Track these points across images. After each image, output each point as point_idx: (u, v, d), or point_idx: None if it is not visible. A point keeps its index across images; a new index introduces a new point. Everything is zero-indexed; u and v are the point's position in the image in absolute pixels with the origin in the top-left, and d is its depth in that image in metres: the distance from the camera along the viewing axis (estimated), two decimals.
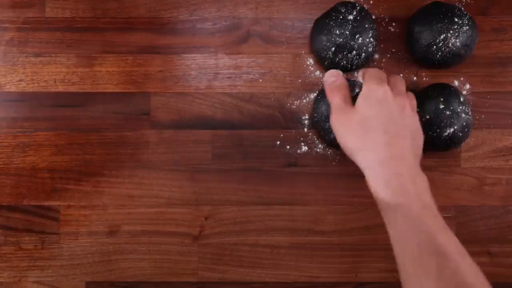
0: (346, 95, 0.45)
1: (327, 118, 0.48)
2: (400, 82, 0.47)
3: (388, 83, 0.45)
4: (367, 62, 0.52)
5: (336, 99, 0.45)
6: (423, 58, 0.52)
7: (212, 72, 0.54)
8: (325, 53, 0.51)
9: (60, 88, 0.53)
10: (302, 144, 0.53)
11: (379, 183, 0.39)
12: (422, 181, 0.41)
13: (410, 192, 0.39)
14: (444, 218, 0.53)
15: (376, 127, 0.41)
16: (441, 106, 0.49)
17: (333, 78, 0.47)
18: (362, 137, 0.41)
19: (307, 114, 0.53)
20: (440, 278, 0.35)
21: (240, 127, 0.53)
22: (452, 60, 0.51)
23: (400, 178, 0.39)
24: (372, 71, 0.45)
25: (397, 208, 0.38)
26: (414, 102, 0.47)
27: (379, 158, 0.40)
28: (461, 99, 0.50)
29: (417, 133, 0.45)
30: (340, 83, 0.46)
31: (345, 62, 0.51)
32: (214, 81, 0.54)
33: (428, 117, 0.50)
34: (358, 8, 0.51)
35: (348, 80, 0.49)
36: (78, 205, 0.53)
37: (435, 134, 0.50)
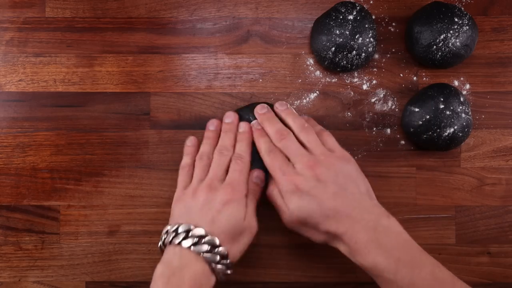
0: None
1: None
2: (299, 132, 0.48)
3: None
4: (367, 62, 0.52)
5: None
6: (423, 58, 0.52)
7: (212, 72, 0.54)
8: (325, 53, 0.51)
9: (60, 88, 0.53)
10: None
11: (349, 255, 0.42)
12: (380, 225, 0.41)
13: (370, 251, 0.40)
14: (444, 218, 0.53)
15: (318, 219, 0.43)
16: (441, 106, 0.49)
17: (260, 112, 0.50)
18: (311, 231, 0.44)
19: (307, 114, 0.53)
20: None
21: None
22: (452, 60, 0.51)
23: (357, 244, 0.41)
24: (271, 160, 0.46)
25: (370, 271, 0.41)
26: (331, 139, 0.47)
27: (337, 235, 0.42)
28: (461, 99, 0.50)
29: (344, 172, 0.45)
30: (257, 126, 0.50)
31: (345, 62, 0.51)
32: (214, 81, 0.54)
33: (428, 117, 0.50)
34: (358, 8, 0.51)
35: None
36: (78, 205, 0.53)
37: (435, 134, 0.50)
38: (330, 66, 0.52)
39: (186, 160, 0.50)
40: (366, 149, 0.53)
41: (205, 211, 0.44)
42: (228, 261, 0.43)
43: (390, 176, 0.53)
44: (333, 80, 0.53)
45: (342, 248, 0.43)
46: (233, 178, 0.46)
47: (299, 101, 0.53)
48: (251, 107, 0.50)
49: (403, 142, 0.53)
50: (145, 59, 0.54)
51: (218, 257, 0.42)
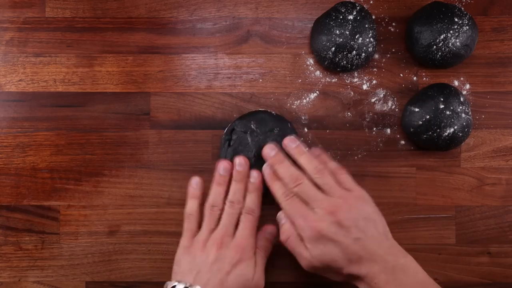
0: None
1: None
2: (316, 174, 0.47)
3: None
4: (367, 62, 0.52)
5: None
6: (423, 58, 0.52)
7: (212, 72, 0.54)
8: (325, 53, 0.51)
9: (60, 88, 0.53)
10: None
11: None
12: (399, 266, 0.42)
13: None
14: (444, 218, 0.53)
15: (339, 263, 0.43)
16: (441, 106, 0.49)
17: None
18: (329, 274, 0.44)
19: (307, 114, 0.53)
20: None
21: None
22: (452, 60, 0.51)
23: (377, 285, 0.41)
24: (289, 206, 0.46)
25: None
26: (347, 178, 0.47)
27: (357, 276, 0.42)
28: (461, 99, 0.50)
29: (365, 216, 0.44)
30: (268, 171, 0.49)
31: (345, 62, 0.51)
32: (214, 81, 0.54)
33: (428, 117, 0.50)
34: (358, 8, 0.51)
35: None
36: (78, 205, 0.53)
37: (435, 134, 0.50)
38: (330, 66, 0.52)
39: (192, 206, 0.49)
40: (366, 149, 0.53)
41: (215, 271, 0.44)
42: None
43: (390, 176, 0.53)
44: (333, 80, 0.53)
45: (362, 286, 0.43)
46: (243, 236, 0.46)
47: (299, 101, 0.53)
48: (252, 117, 0.50)
49: (403, 142, 0.53)
50: (145, 59, 0.54)
51: None
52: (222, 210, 0.48)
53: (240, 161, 0.49)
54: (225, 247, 0.45)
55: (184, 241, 0.48)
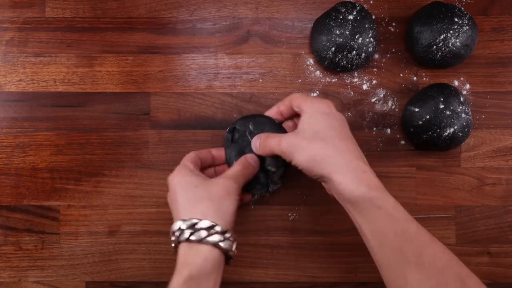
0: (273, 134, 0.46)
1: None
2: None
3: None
4: (367, 62, 0.52)
5: (273, 140, 0.45)
6: (423, 58, 0.52)
7: (212, 72, 0.54)
8: (325, 53, 0.51)
9: (60, 88, 0.53)
10: None
11: (351, 182, 0.40)
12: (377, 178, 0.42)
13: (379, 187, 0.40)
14: (444, 218, 0.53)
15: (332, 135, 0.42)
16: (441, 106, 0.49)
17: (257, 141, 0.48)
18: (322, 147, 0.42)
19: None
20: (419, 263, 0.37)
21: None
22: (452, 60, 0.51)
23: (367, 174, 0.41)
24: (303, 94, 0.47)
25: (374, 201, 0.40)
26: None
27: (345, 161, 0.41)
28: (461, 99, 0.50)
29: (353, 137, 0.45)
30: (264, 136, 0.47)
31: (345, 62, 0.51)
32: (214, 81, 0.54)
33: (428, 117, 0.50)
34: (358, 8, 0.51)
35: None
36: (78, 205, 0.53)
37: (435, 134, 0.50)
38: (330, 66, 0.52)
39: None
40: (366, 149, 0.53)
41: (173, 207, 0.45)
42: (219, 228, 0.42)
43: (390, 176, 0.53)
44: (333, 80, 0.53)
45: (344, 175, 0.41)
46: (178, 167, 0.47)
47: None
48: (253, 119, 0.50)
49: (403, 142, 0.53)
50: (145, 59, 0.54)
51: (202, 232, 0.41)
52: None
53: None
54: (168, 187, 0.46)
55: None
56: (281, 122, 0.50)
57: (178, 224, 0.42)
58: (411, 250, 0.38)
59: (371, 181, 0.40)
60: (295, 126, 0.49)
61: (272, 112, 0.49)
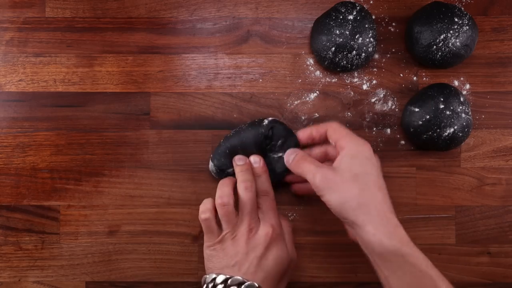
0: (313, 161, 0.46)
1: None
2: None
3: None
4: (367, 62, 0.52)
5: (309, 166, 0.45)
6: (423, 58, 0.52)
7: (212, 72, 0.54)
8: (325, 53, 0.51)
9: (60, 88, 0.53)
10: None
11: (384, 235, 0.40)
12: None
13: (410, 242, 0.40)
14: (444, 218, 0.53)
15: (371, 183, 0.42)
16: (441, 106, 0.49)
17: (292, 155, 0.47)
18: (359, 193, 0.41)
19: (307, 114, 0.53)
20: None
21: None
22: (452, 60, 0.51)
23: (400, 229, 0.40)
24: (342, 127, 0.46)
25: (406, 257, 0.39)
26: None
27: (380, 212, 0.41)
28: (461, 99, 0.50)
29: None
30: (301, 155, 0.47)
31: (345, 62, 0.51)
32: (214, 81, 0.54)
33: (428, 117, 0.50)
34: (358, 8, 0.51)
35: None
36: (78, 205, 0.53)
37: (435, 134, 0.50)
38: (330, 66, 0.52)
39: (207, 206, 0.47)
40: None
41: (251, 259, 0.44)
42: None
43: (390, 176, 0.53)
44: (333, 80, 0.53)
45: (375, 227, 0.41)
46: (269, 217, 0.46)
47: (299, 101, 0.53)
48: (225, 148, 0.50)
49: (403, 142, 0.53)
50: (145, 59, 0.54)
51: None
52: (232, 207, 0.47)
53: (239, 157, 0.49)
54: (254, 233, 0.45)
55: (209, 242, 0.47)
56: (289, 129, 0.50)
57: (236, 280, 0.43)
58: None
59: (403, 236, 0.40)
60: (323, 157, 0.48)
61: (304, 135, 0.48)
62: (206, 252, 0.47)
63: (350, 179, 0.41)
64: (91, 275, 0.53)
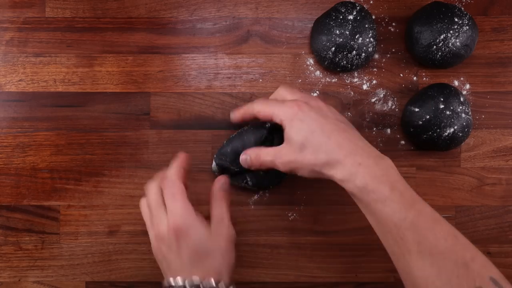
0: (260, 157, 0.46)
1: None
2: (292, 92, 0.47)
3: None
4: (367, 62, 0.52)
5: (265, 157, 0.45)
6: (423, 58, 0.52)
7: (212, 72, 0.54)
8: (325, 53, 0.51)
9: (60, 88, 0.53)
10: None
11: (348, 177, 0.41)
12: (383, 160, 0.41)
13: (377, 176, 0.40)
14: (444, 218, 0.53)
15: (317, 140, 0.42)
16: (441, 106, 0.49)
17: (244, 156, 0.47)
18: (314, 157, 0.42)
19: None
20: (420, 251, 0.37)
21: (240, 127, 0.53)
22: (452, 60, 0.51)
23: (362, 167, 0.40)
24: (265, 102, 0.46)
25: (370, 194, 0.40)
26: (312, 95, 0.47)
27: (339, 159, 0.41)
28: (461, 99, 0.50)
29: (341, 117, 0.46)
30: (254, 153, 0.46)
31: (345, 62, 0.51)
32: (214, 81, 0.54)
33: (428, 117, 0.50)
34: (358, 8, 0.51)
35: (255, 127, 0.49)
36: (78, 205, 0.53)
37: (435, 134, 0.50)
38: (330, 66, 0.52)
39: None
40: None
41: (172, 258, 0.42)
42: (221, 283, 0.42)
43: None
44: (333, 80, 0.53)
45: (340, 173, 0.41)
46: (172, 214, 0.42)
47: None
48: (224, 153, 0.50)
49: (403, 142, 0.53)
50: (145, 59, 0.54)
51: None
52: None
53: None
54: (162, 233, 0.43)
55: None
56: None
57: (178, 282, 0.41)
58: (411, 239, 0.38)
59: (366, 173, 0.40)
60: None
61: (236, 118, 0.48)
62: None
63: (299, 150, 0.42)
64: (91, 275, 0.53)
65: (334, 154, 0.41)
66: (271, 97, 0.49)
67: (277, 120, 0.44)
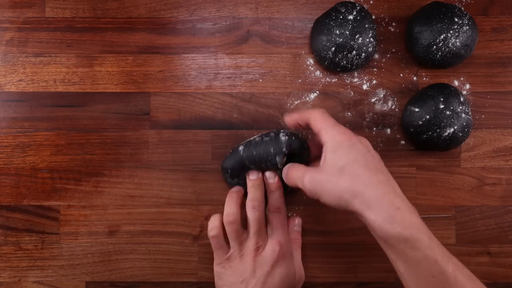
0: (300, 168, 0.45)
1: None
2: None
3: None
4: (367, 62, 0.52)
5: (295, 173, 0.44)
6: (423, 58, 0.52)
7: (212, 72, 0.54)
8: (325, 53, 0.51)
9: (60, 88, 0.53)
10: None
11: (383, 220, 0.38)
12: (414, 210, 0.40)
13: (414, 224, 0.38)
14: (444, 218, 0.53)
15: (361, 170, 0.40)
16: (441, 106, 0.49)
17: (284, 170, 0.47)
18: (349, 184, 0.40)
19: None
20: None
21: (240, 127, 0.53)
22: (452, 60, 0.51)
23: (401, 211, 0.38)
24: (323, 116, 0.44)
25: (409, 242, 0.38)
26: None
27: (376, 196, 0.39)
28: (461, 99, 0.50)
29: (384, 166, 0.43)
30: (289, 167, 0.46)
31: (345, 62, 0.51)
32: (214, 81, 0.54)
33: (428, 117, 0.50)
34: (358, 8, 0.51)
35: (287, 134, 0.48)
36: (78, 205, 0.53)
37: (435, 134, 0.50)
38: (330, 66, 0.52)
39: (215, 223, 0.48)
40: None
41: (258, 276, 0.45)
42: None
43: None
44: (333, 80, 0.53)
45: (375, 213, 0.39)
46: (278, 235, 0.47)
47: (299, 101, 0.53)
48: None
49: (403, 142, 0.53)
50: (145, 59, 0.54)
51: None
52: (239, 224, 0.47)
53: (252, 172, 0.49)
54: (261, 250, 0.46)
55: (218, 259, 0.48)
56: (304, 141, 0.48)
57: None
58: None
59: (406, 219, 0.38)
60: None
61: (290, 123, 0.47)
62: (216, 269, 0.48)
63: (337, 173, 0.40)
64: (91, 275, 0.53)
65: (371, 188, 0.39)
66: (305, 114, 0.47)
67: (323, 138, 0.42)
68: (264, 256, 0.46)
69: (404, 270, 0.39)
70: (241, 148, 0.49)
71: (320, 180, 0.41)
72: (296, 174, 0.43)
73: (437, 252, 0.38)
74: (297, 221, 0.51)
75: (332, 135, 0.42)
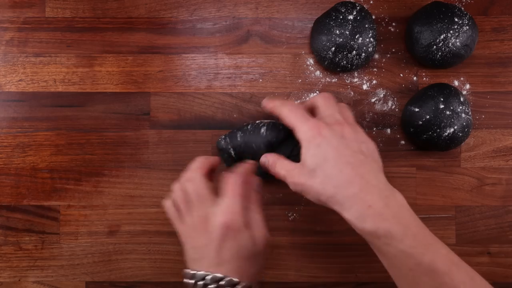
0: (281, 162, 0.44)
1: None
2: (325, 105, 0.44)
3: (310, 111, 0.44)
4: (367, 62, 0.52)
5: (280, 171, 0.43)
6: (423, 58, 0.52)
7: (212, 72, 0.54)
8: (325, 53, 0.51)
9: (60, 88, 0.53)
10: None
11: (356, 219, 0.39)
12: (395, 199, 0.39)
13: (388, 218, 0.38)
14: (444, 218, 0.53)
15: (328, 169, 0.39)
16: (441, 106, 0.49)
17: (263, 159, 0.46)
18: (322, 187, 0.39)
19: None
20: None
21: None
22: (452, 60, 0.51)
23: (373, 209, 0.38)
24: (291, 113, 0.43)
25: (382, 238, 0.38)
26: (349, 113, 0.44)
27: (348, 196, 0.39)
28: (461, 99, 0.50)
29: (366, 145, 0.42)
30: (272, 160, 0.45)
31: (345, 62, 0.51)
32: (214, 81, 0.54)
33: (428, 117, 0.50)
34: (358, 8, 0.51)
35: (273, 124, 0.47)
36: (78, 205, 0.53)
37: (435, 134, 0.50)
38: (330, 66, 0.52)
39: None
40: None
41: (209, 252, 0.41)
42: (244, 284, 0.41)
43: (390, 176, 0.53)
44: (333, 80, 0.53)
45: (348, 213, 0.39)
46: (230, 204, 0.42)
47: (299, 101, 0.53)
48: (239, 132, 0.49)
49: (403, 142, 0.53)
50: (145, 59, 0.54)
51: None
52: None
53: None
54: (209, 225, 0.42)
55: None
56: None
57: (200, 276, 0.40)
58: (428, 283, 0.36)
59: (378, 215, 0.38)
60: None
61: (266, 108, 0.46)
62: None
63: (310, 176, 0.40)
64: (91, 275, 0.53)
65: (342, 189, 0.39)
66: (307, 101, 0.46)
67: (296, 135, 0.42)
68: (207, 228, 0.41)
69: (386, 265, 0.40)
70: (238, 132, 0.49)
71: (299, 182, 0.41)
72: (280, 171, 0.43)
73: (411, 245, 0.37)
74: (256, 182, 0.46)
75: (303, 132, 0.41)
